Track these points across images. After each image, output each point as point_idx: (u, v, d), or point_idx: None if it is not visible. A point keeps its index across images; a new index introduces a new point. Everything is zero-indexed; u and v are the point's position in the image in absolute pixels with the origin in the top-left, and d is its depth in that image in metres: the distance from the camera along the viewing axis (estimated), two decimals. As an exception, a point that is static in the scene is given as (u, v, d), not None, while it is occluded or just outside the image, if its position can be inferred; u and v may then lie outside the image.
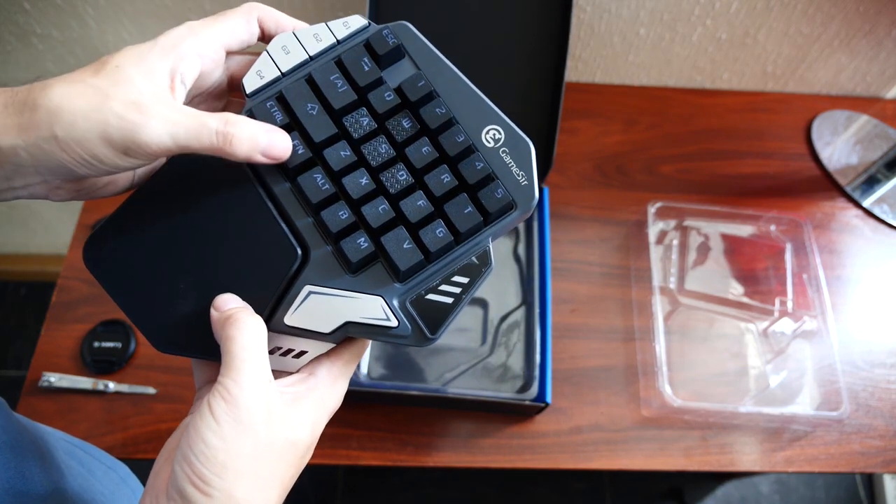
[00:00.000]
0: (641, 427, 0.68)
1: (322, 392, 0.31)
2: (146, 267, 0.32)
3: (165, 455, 0.29)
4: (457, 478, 1.23)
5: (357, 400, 0.66)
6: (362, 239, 0.31)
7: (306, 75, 0.33)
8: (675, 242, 0.79)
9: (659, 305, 0.71)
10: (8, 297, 1.39)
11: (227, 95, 0.35)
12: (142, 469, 0.44)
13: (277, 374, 0.31)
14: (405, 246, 0.31)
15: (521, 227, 0.76)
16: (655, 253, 0.76)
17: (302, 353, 0.34)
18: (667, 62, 0.91)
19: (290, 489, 0.30)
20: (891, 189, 0.86)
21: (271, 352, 0.33)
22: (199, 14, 0.81)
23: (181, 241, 0.32)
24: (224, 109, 0.35)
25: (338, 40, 0.33)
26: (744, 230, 0.81)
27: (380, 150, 0.32)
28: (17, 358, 1.32)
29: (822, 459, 0.67)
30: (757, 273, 0.78)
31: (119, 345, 0.68)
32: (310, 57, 0.33)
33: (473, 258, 0.31)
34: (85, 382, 0.65)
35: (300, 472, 0.31)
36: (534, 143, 0.32)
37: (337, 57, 0.33)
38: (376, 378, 0.66)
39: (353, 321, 0.30)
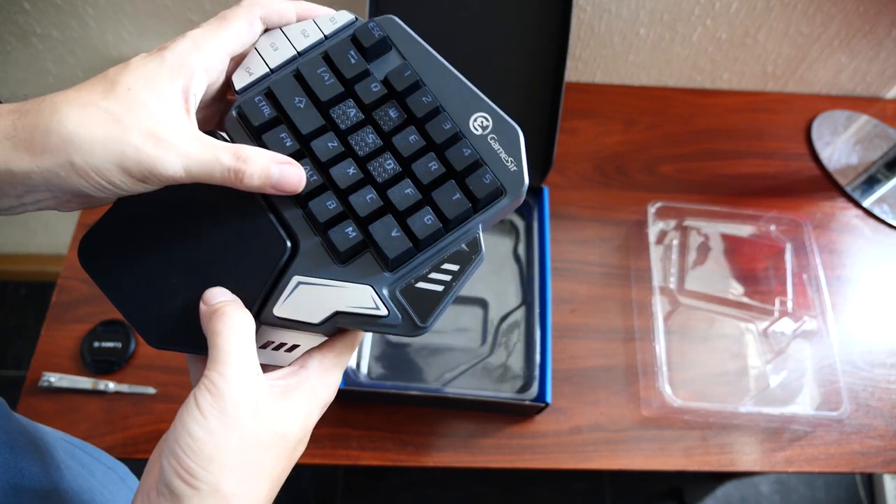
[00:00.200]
0: (641, 427, 0.68)
1: (313, 384, 0.31)
2: (139, 263, 0.32)
3: (158, 452, 0.29)
4: (457, 478, 1.23)
5: (357, 400, 0.66)
6: (350, 228, 0.31)
7: (294, 70, 0.33)
8: (675, 242, 0.79)
9: (659, 305, 0.71)
10: (8, 297, 1.39)
11: (226, 96, 0.35)
12: (141, 469, 0.44)
13: (270, 368, 0.31)
14: (393, 234, 0.31)
15: (521, 227, 0.76)
16: (655, 253, 0.76)
17: (294, 346, 0.34)
18: (667, 62, 0.91)
19: (282, 482, 0.30)
20: (891, 189, 0.86)
21: (264, 346, 0.33)
22: (200, 14, 0.81)
23: (173, 237, 0.32)
24: (224, 109, 0.35)
25: (325, 35, 0.34)
26: (744, 230, 0.81)
27: (367, 140, 0.32)
28: (17, 358, 1.32)
29: (822, 459, 0.67)
30: (757, 273, 0.78)
31: (119, 345, 0.68)
32: (298, 53, 0.33)
33: (463, 245, 0.31)
34: (85, 382, 0.65)
35: (293, 464, 0.31)
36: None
37: (324, 51, 0.33)
38: (376, 378, 0.66)
39: (343, 311, 0.30)
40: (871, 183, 0.87)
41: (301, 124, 0.32)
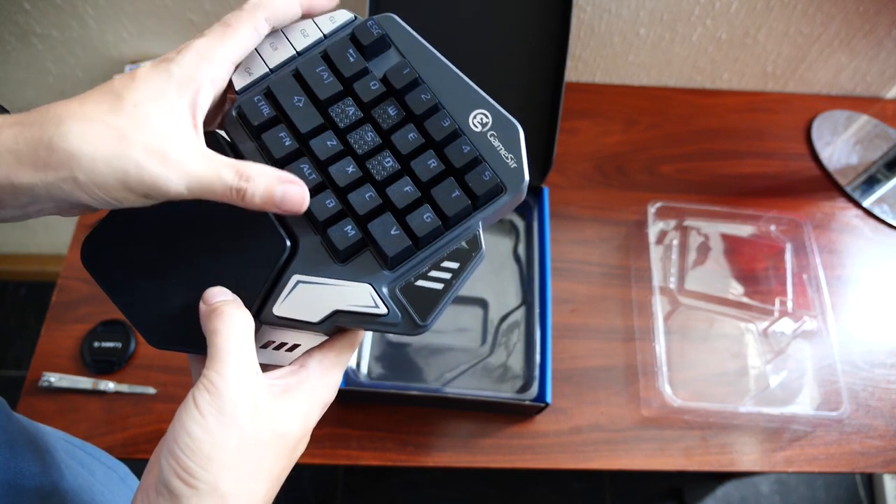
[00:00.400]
0: (641, 427, 0.68)
1: (313, 384, 0.31)
2: (140, 263, 0.32)
3: (158, 452, 0.29)
4: (457, 478, 1.23)
5: (357, 400, 0.66)
6: (349, 227, 0.31)
7: (293, 70, 0.33)
8: (675, 242, 0.79)
9: (659, 305, 0.71)
10: (8, 297, 1.39)
11: (227, 96, 0.35)
12: (142, 469, 0.44)
13: (270, 368, 0.31)
14: (392, 232, 0.31)
15: (521, 226, 0.76)
16: (655, 253, 0.76)
17: (295, 346, 0.34)
18: (667, 62, 0.91)
19: (282, 482, 0.30)
20: (891, 189, 0.86)
21: (264, 346, 0.33)
22: (200, 14, 0.81)
23: (174, 237, 0.32)
24: (224, 110, 0.35)
25: (324, 35, 0.34)
26: (744, 230, 0.81)
27: (366, 138, 0.32)
28: (17, 358, 1.32)
29: (822, 459, 0.67)
30: (757, 273, 0.78)
31: (119, 345, 0.68)
32: (297, 52, 0.33)
33: (463, 243, 0.31)
34: (85, 382, 0.65)
35: (293, 464, 0.31)
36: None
37: (323, 50, 0.33)
38: (376, 378, 0.66)
39: (342, 310, 0.30)
40: (871, 183, 0.87)
41: (300, 123, 0.32)
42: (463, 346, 0.69)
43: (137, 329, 0.32)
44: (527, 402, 0.63)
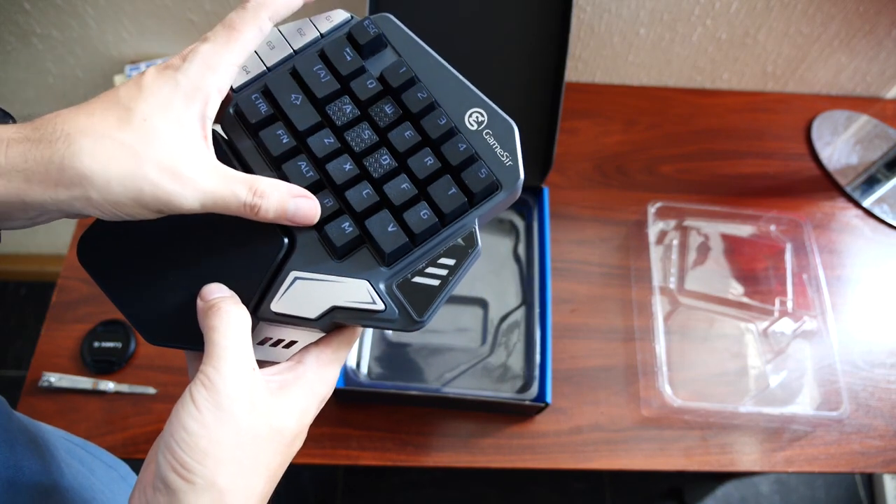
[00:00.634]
0: (641, 427, 0.68)
1: (310, 380, 0.31)
2: (138, 261, 0.32)
3: (155, 448, 0.29)
4: (457, 478, 1.23)
5: (357, 400, 0.66)
6: (347, 224, 0.31)
7: (290, 68, 0.33)
8: (675, 242, 0.79)
9: (659, 305, 0.71)
10: (8, 297, 1.39)
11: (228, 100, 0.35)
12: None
13: (268, 364, 0.31)
14: (390, 229, 0.31)
15: (521, 227, 0.76)
16: (655, 253, 0.76)
17: (292, 342, 0.34)
18: (667, 62, 0.91)
19: (279, 477, 0.30)
20: (891, 189, 0.86)
21: (262, 342, 0.33)
22: (200, 14, 0.81)
23: (171, 235, 0.32)
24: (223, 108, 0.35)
25: (321, 34, 0.34)
26: (744, 230, 0.81)
27: (363, 136, 0.32)
28: (17, 358, 1.32)
29: (822, 459, 0.67)
30: (757, 273, 0.78)
31: (119, 345, 0.68)
32: (294, 51, 0.34)
33: (460, 240, 0.32)
34: (85, 382, 0.65)
35: (290, 460, 0.31)
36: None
37: (320, 49, 0.33)
38: (376, 378, 0.66)
39: (340, 306, 0.30)
40: (871, 183, 0.87)
41: (297, 121, 0.32)
42: (463, 346, 0.69)
43: (134, 325, 0.32)
44: (527, 402, 0.63)
